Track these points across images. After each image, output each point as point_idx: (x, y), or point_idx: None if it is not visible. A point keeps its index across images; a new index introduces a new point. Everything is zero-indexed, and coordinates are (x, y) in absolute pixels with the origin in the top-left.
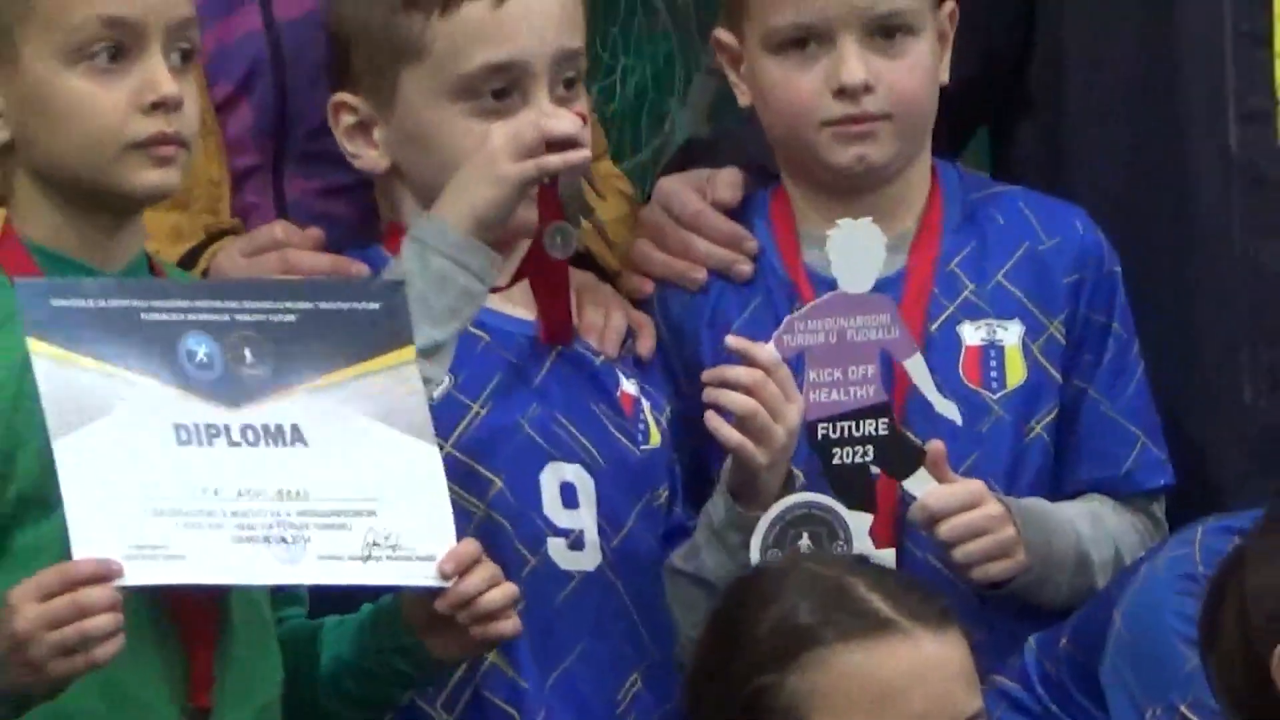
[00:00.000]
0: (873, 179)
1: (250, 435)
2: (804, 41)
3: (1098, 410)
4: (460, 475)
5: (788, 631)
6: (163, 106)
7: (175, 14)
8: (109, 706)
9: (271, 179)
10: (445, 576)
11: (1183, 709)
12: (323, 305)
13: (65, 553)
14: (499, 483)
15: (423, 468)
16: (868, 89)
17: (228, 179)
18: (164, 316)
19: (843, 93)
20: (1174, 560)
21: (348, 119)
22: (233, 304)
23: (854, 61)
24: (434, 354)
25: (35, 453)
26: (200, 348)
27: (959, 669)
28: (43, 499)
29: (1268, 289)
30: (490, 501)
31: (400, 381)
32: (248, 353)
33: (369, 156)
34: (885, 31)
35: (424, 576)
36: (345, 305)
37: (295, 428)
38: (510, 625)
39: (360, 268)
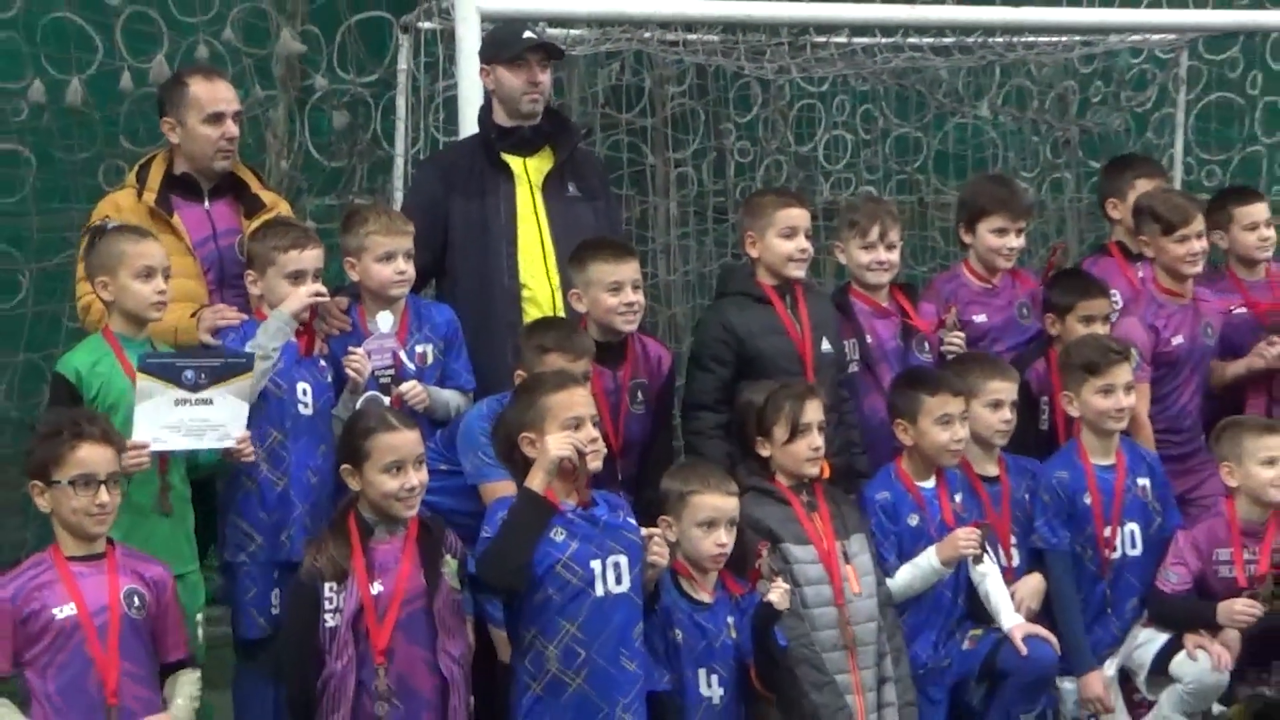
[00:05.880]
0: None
1: (197, 401)
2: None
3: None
4: (271, 382)
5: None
6: (162, 294)
7: (165, 264)
8: (142, 479)
9: (220, 293)
10: (239, 443)
11: (479, 454)
12: (229, 360)
13: (127, 431)
14: (285, 386)
15: (242, 409)
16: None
17: (206, 292)
18: (181, 363)
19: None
20: (478, 407)
21: (249, 279)
22: (204, 360)
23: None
24: (271, 353)
25: (117, 398)
26: (190, 374)
27: None
28: (117, 409)
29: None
30: (282, 395)
31: (246, 383)
32: (204, 376)
33: (254, 292)
34: None
35: (232, 443)
36: (237, 360)
37: (211, 399)
38: (251, 457)
39: (241, 316)
